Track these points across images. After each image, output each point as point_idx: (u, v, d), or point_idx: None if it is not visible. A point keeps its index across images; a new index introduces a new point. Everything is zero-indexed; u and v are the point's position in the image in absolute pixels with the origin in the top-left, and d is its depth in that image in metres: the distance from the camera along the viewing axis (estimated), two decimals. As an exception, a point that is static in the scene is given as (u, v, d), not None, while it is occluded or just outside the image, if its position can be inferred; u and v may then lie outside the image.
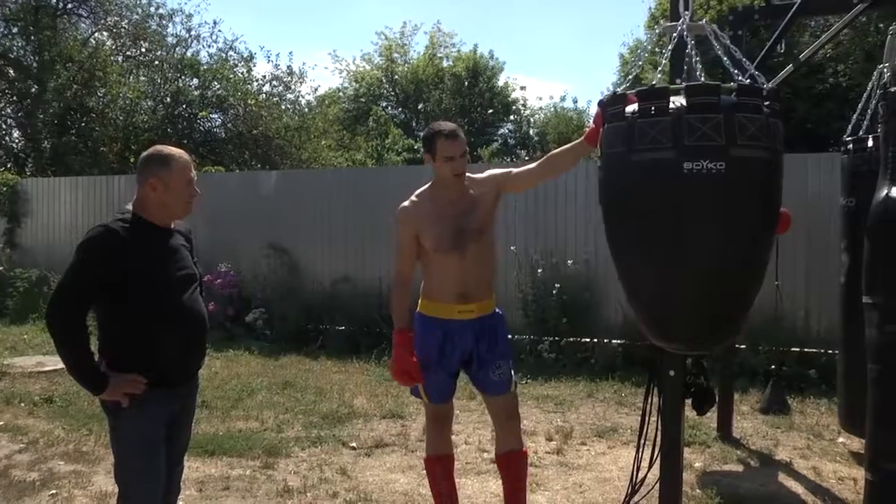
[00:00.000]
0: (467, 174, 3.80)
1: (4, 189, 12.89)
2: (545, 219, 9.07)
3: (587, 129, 3.73)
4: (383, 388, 7.51)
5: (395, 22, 56.03)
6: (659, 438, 4.02)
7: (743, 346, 7.47)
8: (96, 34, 20.80)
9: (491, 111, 29.38)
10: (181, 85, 19.57)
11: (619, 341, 8.35)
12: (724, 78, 3.69)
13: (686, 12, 3.67)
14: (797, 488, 4.92)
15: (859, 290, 3.48)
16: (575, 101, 43.34)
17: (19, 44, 19.51)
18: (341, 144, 23.69)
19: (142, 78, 20.59)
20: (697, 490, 4.80)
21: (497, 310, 3.90)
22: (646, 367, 5.93)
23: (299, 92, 22.75)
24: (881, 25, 13.61)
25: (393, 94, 31.47)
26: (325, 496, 4.73)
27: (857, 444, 5.49)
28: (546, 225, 9.06)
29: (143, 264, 2.95)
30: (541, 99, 52.76)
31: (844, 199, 5.22)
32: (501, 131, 30.50)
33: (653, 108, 3.18)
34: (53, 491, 4.78)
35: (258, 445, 5.65)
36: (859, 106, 5.38)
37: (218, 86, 19.81)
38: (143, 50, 20.99)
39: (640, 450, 4.15)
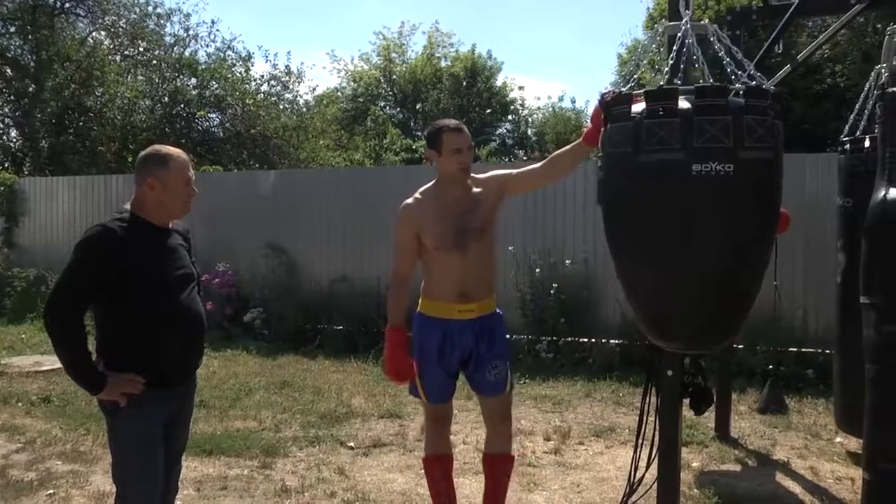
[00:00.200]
0: (471, 174, 3.80)
1: (2, 189, 12.87)
2: (543, 218, 9.07)
3: (585, 130, 3.73)
4: (381, 387, 7.51)
5: (394, 22, 56.02)
6: (657, 438, 4.02)
7: (741, 346, 7.47)
8: (94, 33, 20.78)
9: (489, 111, 29.36)
10: (179, 84, 19.55)
11: (617, 341, 8.35)
12: (720, 79, 3.69)
13: (687, 12, 3.67)
14: (795, 488, 4.93)
15: (855, 290, 3.48)
16: (573, 101, 43.32)
17: (17, 43, 19.48)
18: (339, 144, 23.69)
19: (140, 77, 20.56)
20: (695, 490, 4.81)
21: (497, 310, 3.90)
22: (644, 366, 5.93)
23: (297, 92, 22.77)
24: (879, 26, 13.63)
25: (391, 93, 31.45)
26: (322, 496, 4.73)
27: (854, 443, 5.50)
28: (544, 224, 9.06)
29: (142, 264, 2.95)
30: (539, 99, 52.80)
31: (841, 199, 5.23)
32: (499, 131, 30.48)
33: (661, 108, 3.17)
34: (51, 491, 4.78)
35: (256, 445, 5.65)
36: (856, 106, 5.38)
37: (216, 85, 19.79)
38: (141, 49, 20.96)
39: (638, 449, 4.15)
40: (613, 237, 3.57)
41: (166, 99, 19.49)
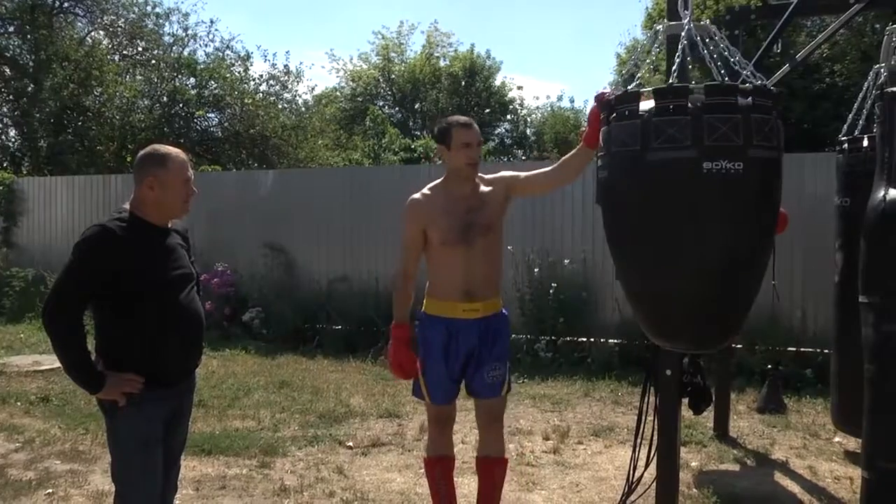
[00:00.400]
0: (479, 174, 3.81)
1: (1, 188, 12.88)
2: (542, 218, 9.07)
3: (583, 131, 3.72)
4: (380, 387, 7.52)
5: (392, 21, 55.95)
6: (655, 438, 4.03)
7: (740, 346, 7.48)
8: (93, 33, 20.76)
9: (488, 111, 29.37)
10: (178, 84, 19.53)
11: (615, 341, 8.36)
12: (720, 78, 3.68)
13: (686, 12, 3.67)
14: (793, 487, 4.93)
15: (853, 290, 3.49)
16: (572, 101, 43.35)
17: (15, 43, 19.48)
18: (338, 144, 23.67)
19: (138, 77, 20.53)
20: (694, 489, 4.81)
21: (504, 310, 3.89)
22: (642, 366, 5.95)
23: (296, 91, 22.80)
24: (877, 25, 13.65)
25: (390, 93, 31.45)
26: (321, 495, 4.73)
27: (853, 443, 5.50)
28: (543, 224, 9.06)
29: (141, 264, 2.95)
30: (537, 98, 52.82)
31: (839, 198, 5.23)
32: (498, 131, 30.49)
33: (671, 106, 3.15)
34: (50, 490, 4.78)
35: (255, 445, 5.65)
36: (855, 106, 5.39)
37: (215, 85, 19.77)
38: (140, 49, 20.94)
39: (637, 449, 4.16)
40: (616, 236, 3.56)
41: (165, 98, 19.47)
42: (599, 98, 3.54)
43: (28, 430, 6.03)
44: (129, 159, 17.72)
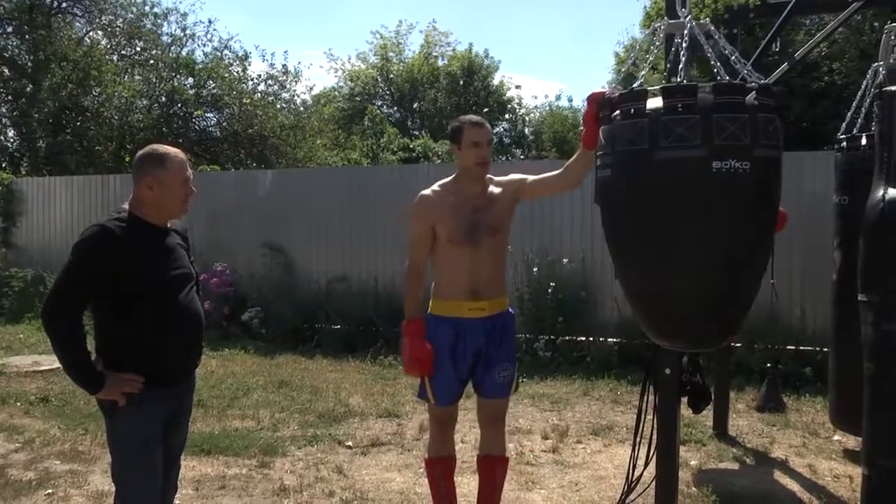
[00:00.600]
0: (489, 175, 3.82)
1: (0, 188, 12.87)
2: (541, 217, 9.07)
3: (582, 135, 3.71)
4: (379, 386, 7.52)
5: (391, 21, 56.00)
6: (655, 436, 4.03)
7: (739, 345, 7.48)
8: (91, 33, 20.75)
9: (486, 110, 29.39)
10: (176, 84, 19.52)
11: (614, 340, 8.36)
12: (719, 77, 3.68)
13: (684, 10, 3.66)
14: (793, 486, 4.93)
15: (851, 288, 3.49)
16: (570, 100, 43.35)
17: (14, 43, 19.46)
18: (337, 143, 23.66)
19: (137, 77, 20.52)
20: (693, 488, 4.81)
21: (510, 309, 3.89)
22: (642, 365, 5.94)
23: (294, 91, 22.83)
24: (876, 24, 13.66)
25: (388, 93, 31.47)
26: (321, 495, 4.73)
27: (852, 441, 5.51)
28: (542, 223, 9.05)
29: (140, 263, 2.94)
30: (536, 98, 52.93)
31: (838, 196, 5.23)
32: (497, 130, 30.49)
33: (680, 105, 3.14)
34: (49, 490, 4.78)
35: (254, 444, 5.65)
36: (854, 104, 5.39)
37: (213, 85, 19.76)
38: (138, 49, 20.94)
39: (636, 448, 4.16)
40: (617, 235, 3.54)
41: (163, 98, 19.46)
42: (594, 98, 3.52)
43: (28, 430, 6.03)
44: (127, 159, 17.71)
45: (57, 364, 3.03)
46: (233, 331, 10.01)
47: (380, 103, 30.25)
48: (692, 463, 5.30)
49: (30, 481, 4.94)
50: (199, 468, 5.19)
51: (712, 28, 3.72)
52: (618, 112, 3.35)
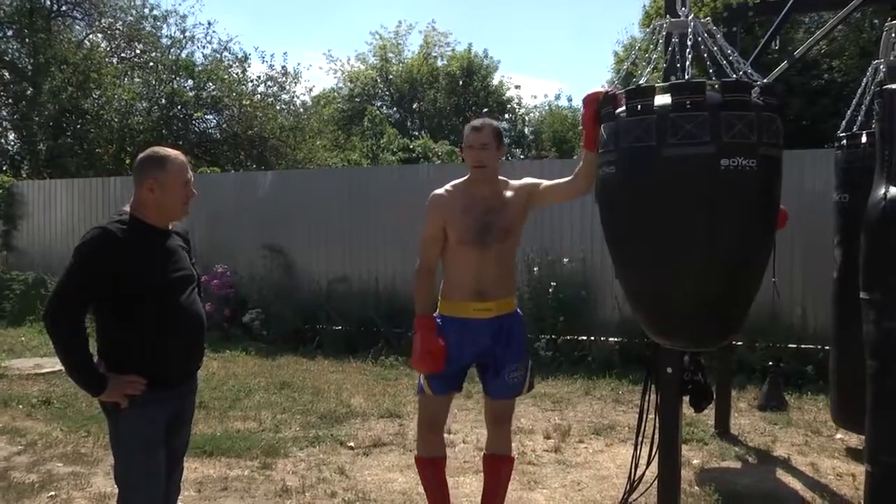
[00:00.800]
0: (504, 178, 3.82)
1: (0, 191, 12.87)
2: (541, 217, 9.03)
3: (583, 137, 3.70)
4: (381, 387, 7.52)
5: (390, 22, 56.03)
6: (657, 436, 4.03)
7: (740, 343, 7.48)
8: (91, 36, 20.74)
9: (486, 110, 29.35)
10: (176, 86, 19.52)
11: (616, 339, 8.36)
12: (719, 75, 3.68)
13: (684, 9, 3.66)
14: (795, 484, 4.93)
15: (852, 286, 3.49)
16: (570, 100, 43.22)
17: (14, 46, 19.47)
18: (336, 144, 23.67)
19: (136, 79, 20.52)
20: (696, 487, 4.81)
21: (518, 310, 3.89)
22: (643, 364, 5.94)
23: (294, 92, 22.73)
24: (876, 21, 13.65)
25: (388, 93, 31.46)
26: (323, 496, 4.73)
27: (854, 439, 5.51)
28: (542, 223, 9.03)
29: (141, 266, 2.95)
30: (535, 97, 52.63)
31: (838, 194, 5.23)
32: (497, 130, 30.44)
33: (689, 102, 3.13)
34: (52, 493, 4.78)
35: (256, 446, 5.65)
36: (854, 102, 5.38)
37: (213, 87, 19.76)
38: (138, 51, 20.94)
39: (638, 447, 4.15)
40: (618, 233, 3.52)
41: (163, 101, 19.46)
42: (592, 99, 3.51)
43: (30, 432, 6.03)
44: (128, 161, 17.72)
45: (59, 366, 3.04)
46: (234, 332, 10.02)
47: (379, 104, 30.25)
48: (694, 462, 5.30)
49: (32, 483, 4.94)
50: (202, 469, 5.19)
51: (712, 27, 3.72)
52: (622, 108, 3.33)
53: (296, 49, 57.30)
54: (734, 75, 3.45)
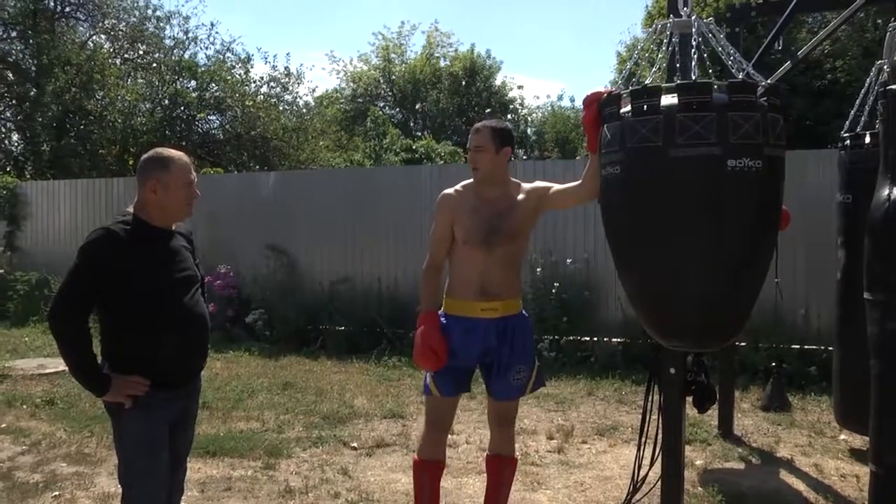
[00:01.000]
0: (516, 181, 3.83)
1: (4, 192, 12.91)
2: (544, 218, 8.92)
3: (585, 139, 3.69)
4: (384, 387, 7.53)
5: (393, 22, 56.00)
6: (660, 436, 4.02)
7: (743, 344, 7.48)
8: (94, 37, 20.80)
9: (488, 110, 29.31)
10: (179, 87, 19.56)
11: (619, 339, 8.37)
12: (721, 75, 3.68)
13: (686, 9, 3.66)
14: (799, 485, 4.93)
15: (855, 287, 3.49)
16: (572, 100, 43.21)
17: (18, 47, 19.54)
18: (339, 145, 23.70)
19: (140, 80, 20.57)
20: (699, 488, 4.81)
21: (524, 312, 3.88)
22: (646, 365, 5.94)
23: (297, 93, 22.81)
24: (879, 21, 13.64)
25: (390, 94, 31.44)
26: (326, 496, 4.73)
27: (858, 440, 5.50)
28: (545, 224, 9.02)
29: (145, 266, 2.95)
30: (538, 98, 52.80)
31: (841, 195, 5.23)
32: (499, 130, 30.44)
33: (695, 102, 3.12)
34: (56, 493, 4.78)
35: (259, 446, 5.66)
36: (857, 102, 5.38)
37: (216, 87, 19.80)
38: (141, 52, 20.99)
39: (642, 448, 4.15)
40: (620, 233, 3.52)
41: (166, 101, 19.51)
42: (593, 99, 3.50)
43: (34, 432, 6.04)
44: (131, 162, 17.76)
45: (62, 367, 3.04)
46: (237, 333, 10.03)
47: (382, 104, 30.24)
48: (698, 463, 5.30)
49: (36, 483, 4.94)
50: (205, 470, 5.19)
51: (715, 27, 3.72)
52: (628, 108, 3.31)
53: (298, 50, 57.50)
54: (738, 75, 3.45)
